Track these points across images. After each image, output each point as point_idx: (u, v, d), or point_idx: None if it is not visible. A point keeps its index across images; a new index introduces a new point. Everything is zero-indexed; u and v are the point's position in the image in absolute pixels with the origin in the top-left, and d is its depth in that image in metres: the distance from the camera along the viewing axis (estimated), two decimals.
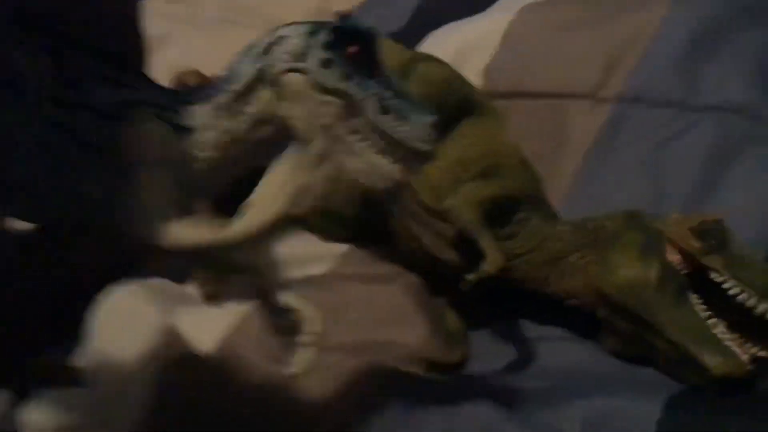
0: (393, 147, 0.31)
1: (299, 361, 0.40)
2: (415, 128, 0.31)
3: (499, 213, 0.51)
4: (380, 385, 0.48)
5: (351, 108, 0.31)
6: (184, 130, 0.33)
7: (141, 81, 0.34)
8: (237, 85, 0.32)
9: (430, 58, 0.57)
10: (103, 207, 0.32)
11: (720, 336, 0.46)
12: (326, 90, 0.31)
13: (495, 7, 0.72)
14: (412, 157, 0.31)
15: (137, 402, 0.47)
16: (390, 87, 0.32)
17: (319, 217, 0.60)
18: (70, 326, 0.41)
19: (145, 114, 0.33)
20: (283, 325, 0.40)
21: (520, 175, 0.54)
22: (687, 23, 0.64)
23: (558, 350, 0.51)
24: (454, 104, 0.55)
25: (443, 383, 0.49)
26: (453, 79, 0.55)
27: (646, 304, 0.47)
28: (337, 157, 0.32)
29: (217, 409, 0.48)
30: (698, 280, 0.48)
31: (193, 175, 0.34)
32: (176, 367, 0.48)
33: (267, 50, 0.32)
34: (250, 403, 0.48)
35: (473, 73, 0.64)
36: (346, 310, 0.54)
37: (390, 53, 0.48)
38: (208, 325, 0.53)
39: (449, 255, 0.52)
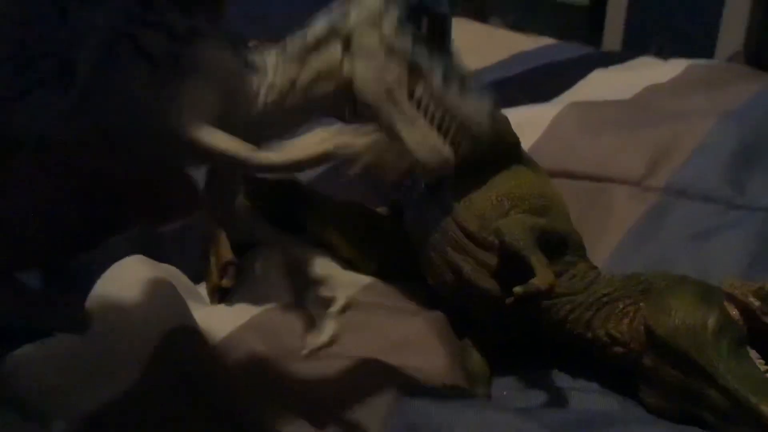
0: (449, 121, 0.31)
1: (326, 331, 0.37)
2: (474, 105, 0.31)
3: (547, 249, 0.48)
4: (397, 388, 0.43)
5: (415, 74, 0.31)
6: (250, 68, 0.32)
7: (217, 17, 0.34)
8: (310, 37, 0.32)
9: None
10: (153, 114, 0.31)
11: None
12: (395, 52, 0.31)
13: (548, 102, 0.73)
14: (464, 134, 0.31)
15: (134, 360, 0.42)
16: (455, 64, 0.31)
17: (346, 246, 0.58)
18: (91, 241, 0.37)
19: (217, 42, 0.32)
20: (311, 298, 0.37)
21: (568, 223, 0.52)
22: (733, 133, 0.65)
23: (594, 401, 0.46)
24: (511, 144, 0.53)
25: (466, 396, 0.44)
26: (509, 126, 0.55)
27: (702, 348, 0.43)
28: (392, 122, 0.31)
29: (214, 389, 0.42)
30: (757, 343, 0.44)
31: (248, 115, 0.33)
32: (178, 337, 0.44)
33: (345, 11, 0.32)
34: (250, 388, 0.43)
35: None
36: (363, 331, 0.49)
37: None
38: (216, 321, 0.48)
39: (490, 284, 0.49)
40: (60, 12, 0.30)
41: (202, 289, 0.54)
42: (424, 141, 0.30)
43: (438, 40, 0.31)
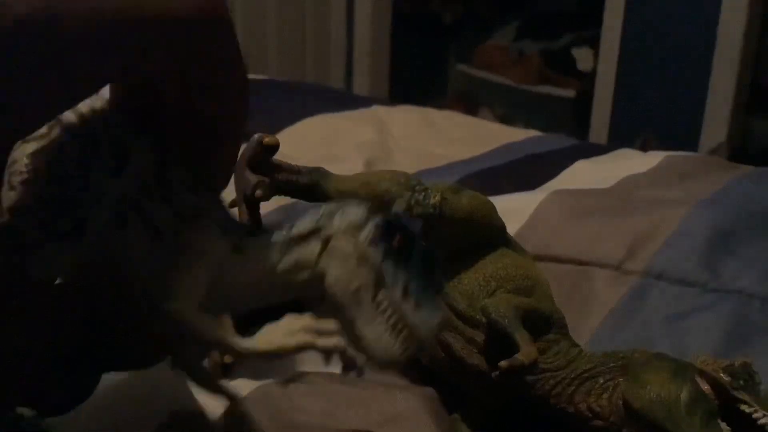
0: (401, 328, 0.34)
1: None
2: (424, 320, 0.34)
3: (531, 326, 0.51)
4: None
5: (380, 283, 0.34)
6: (237, 251, 0.36)
7: (218, 202, 0.38)
8: (295, 231, 0.36)
9: None
10: (147, 285, 0.34)
11: None
12: (366, 261, 0.34)
13: (533, 191, 0.78)
14: (411, 342, 0.34)
15: None
16: (418, 279, 0.35)
17: None
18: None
19: (213, 226, 0.36)
20: None
21: (551, 302, 0.55)
22: (707, 221, 0.69)
23: None
24: (496, 229, 0.57)
25: None
26: (495, 212, 0.58)
27: (676, 421, 0.46)
28: (354, 319, 0.34)
29: None
30: (727, 415, 0.47)
31: (229, 292, 0.36)
32: (182, 418, 0.46)
33: (330, 214, 0.36)
34: None
35: None
36: (358, 405, 0.52)
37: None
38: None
39: (478, 360, 0.52)
40: (83, 176, 0.33)
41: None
42: (378, 339, 0.34)
43: (405, 257, 0.35)
